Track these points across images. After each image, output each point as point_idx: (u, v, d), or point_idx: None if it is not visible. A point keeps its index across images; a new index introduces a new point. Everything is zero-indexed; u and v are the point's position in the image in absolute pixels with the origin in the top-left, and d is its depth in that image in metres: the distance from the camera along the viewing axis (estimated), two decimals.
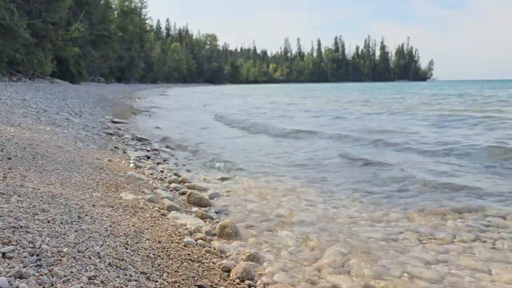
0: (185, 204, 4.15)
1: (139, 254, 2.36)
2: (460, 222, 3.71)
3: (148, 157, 6.45)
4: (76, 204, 2.89)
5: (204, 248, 2.91)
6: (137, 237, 2.63)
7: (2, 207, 2.38)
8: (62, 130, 6.85)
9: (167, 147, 7.93)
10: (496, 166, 6.08)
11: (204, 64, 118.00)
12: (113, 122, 10.93)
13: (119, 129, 9.57)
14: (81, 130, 7.56)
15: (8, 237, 2.01)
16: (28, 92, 12.32)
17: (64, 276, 1.83)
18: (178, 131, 10.75)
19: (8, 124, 5.88)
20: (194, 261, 2.59)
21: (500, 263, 2.89)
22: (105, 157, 5.37)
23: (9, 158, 3.77)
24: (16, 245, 1.96)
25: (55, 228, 2.31)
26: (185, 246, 2.81)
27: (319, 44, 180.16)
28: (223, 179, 5.44)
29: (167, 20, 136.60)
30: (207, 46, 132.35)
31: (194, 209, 4.02)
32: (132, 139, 8.36)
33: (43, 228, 2.24)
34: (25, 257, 1.88)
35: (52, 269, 1.84)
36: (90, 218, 2.67)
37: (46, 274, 1.80)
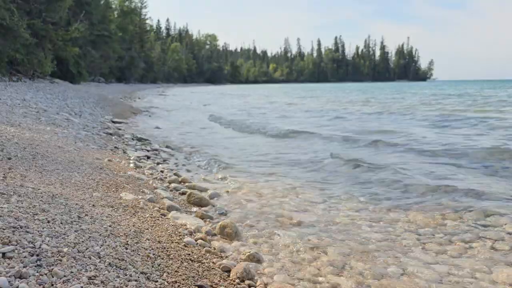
0: (185, 204, 4.15)
1: (139, 254, 2.36)
2: (460, 222, 3.71)
3: (148, 157, 6.45)
4: (76, 204, 2.89)
5: (204, 248, 2.91)
6: (137, 237, 2.63)
7: (2, 207, 2.38)
8: (62, 130, 6.85)
9: (167, 147, 7.93)
10: (496, 167, 6.08)
11: (204, 64, 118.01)
12: (113, 122, 10.93)
13: (119, 129, 9.57)
14: (81, 130, 7.56)
15: (8, 237, 2.01)
16: (28, 92, 12.32)
17: (64, 276, 1.83)
18: (178, 131, 10.76)
19: (8, 124, 5.88)
20: (194, 261, 2.59)
21: (500, 264, 2.89)
22: (105, 157, 5.37)
23: (9, 158, 3.78)
24: (16, 245, 1.96)
25: (55, 228, 2.31)
26: (185, 246, 2.81)
27: (319, 44, 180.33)
28: (223, 179, 5.44)
29: (167, 20, 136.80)
30: (207, 46, 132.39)
31: (194, 209, 4.02)
32: (132, 139, 8.36)
33: (43, 228, 2.25)
34: (25, 257, 1.88)
35: (52, 269, 1.85)
36: (90, 218, 2.67)
37: (46, 274, 1.80)
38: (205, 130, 11.50)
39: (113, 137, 7.94)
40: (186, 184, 4.98)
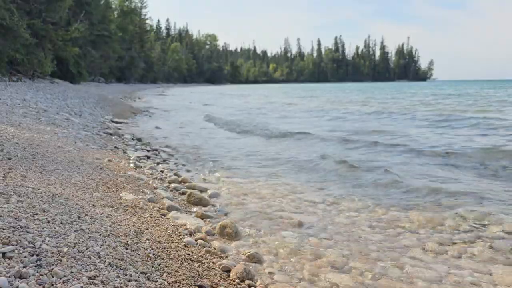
0: (185, 204, 4.15)
1: (139, 254, 2.37)
2: (460, 223, 3.71)
3: (148, 157, 6.45)
4: (76, 204, 2.89)
5: (204, 248, 2.91)
6: (137, 237, 2.63)
7: (2, 207, 2.38)
8: (62, 130, 6.86)
9: (167, 147, 7.93)
10: (495, 167, 6.08)
11: (204, 64, 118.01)
12: (113, 122, 10.93)
13: (119, 129, 9.58)
14: (81, 130, 7.56)
15: (8, 237, 2.01)
16: (28, 92, 12.32)
17: (64, 276, 1.83)
18: (178, 131, 10.76)
19: (8, 124, 5.88)
20: (194, 261, 2.59)
21: (500, 264, 2.89)
22: (105, 157, 5.37)
23: (9, 158, 3.78)
24: (16, 245, 1.96)
25: (55, 228, 2.31)
26: (185, 246, 2.81)
27: (319, 44, 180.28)
28: (223, 179, 5.44)
29: (167, 20, 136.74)
30: (207, 46, 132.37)
31: (194, 209, 4.02)
32: (132, 139, 8.36)
33: (43, 228, 2.25)
34: (25, 257, 1.88)
35: (52, 269, 1.85)
36: (90, 218, 2.68)
37: (46, 274, 1.80)
38: (205, 130, 11.51)
39: (113, 137, 7.95)
40: (186, 184, 4.98)
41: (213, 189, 4.83)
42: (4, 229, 2.08)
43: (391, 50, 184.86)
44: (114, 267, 2.08)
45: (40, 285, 1.73)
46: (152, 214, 3.33)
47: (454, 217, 3.85)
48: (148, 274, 2.15)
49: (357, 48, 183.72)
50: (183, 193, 4.52)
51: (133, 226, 2.85)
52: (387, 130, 10.69)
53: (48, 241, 2.10)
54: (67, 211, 2.66)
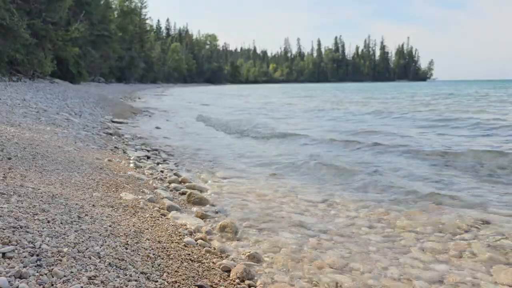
0: (185, 204, 4.16)
1: (139, 254, 2.37)
2: (459, 222, 3.71)
3: (148, 157, 6.45)
4: (76, 204, 2.89)
5: (204, 248, 2.91)
6: (137, 237, 2.63)
7: (2, 207, 2.38)
8: (62, 130, 6.86)
9: (167, 146, 7.93)
10: (495, 168, 6.08)
11: (204, 64, 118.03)
12: (113, 122, 10.93)
13: (119, 129, 9.57)
14: (81, 130, 7.56)
15: (8, 237, 2.01)
16: (28, 92, 12.32)
17: (64, 276, 1.83)
18: (178, 131, 10.76)
19: (8, 124, 5.88)
20: (194, 261, 2.59)
21: (499, 264, 2.89)
22: (105, 157, 5.37)
23: (9, 158, 3.78)
24: (16, 245, 1.96)
25: (55, 228, 2.31)
26: (185, 246, 2.81)
27: (319, 44, 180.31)
28: (223, 179, 5.44)
29: (167, 20, 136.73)
30: (207, 46, 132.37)
31: (194, 209, 4.02)
32: (132, 139, 8.36)
33: (43, 228, 2.25)
34: (25, 257, 1.88)
35: (52, 269, 1.85)
36: (90, 218, 2.68)
37: (46, 274, 1.80)
38: (205, 130, 11.51)
39: (113, 137, 7.95)
40: (186, 184, 4.98)
41: (213, 189, 4.83)
42: (4, 229, 2.08)
43: (391, 50, 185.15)
44: (114, 267, 2.08)
45: (40, 285, 1.73)
46: (152, 214, 3.33)
47: (453, 217, 3.85)
48: (148, 274, 2.15)
49: (357, 48, 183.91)
50: (183, 193, 4.52)
51: (133, 226, 2.85)
52: (387, 130, 10.68)
53: (48, 241, 2.10)
54: (67, 211, 2.66)
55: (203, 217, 3.77)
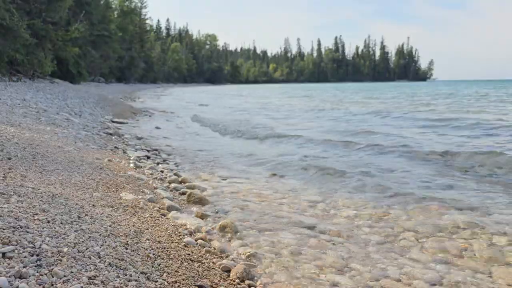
0: (185, 204, 4.16)
1: (139, 254, 2.37)
2: (459, 222, 3.71)
3: (148, 157, 6.45)
4: (76, 204, 2.89)
5: (204, 248, 2.91)
6: (137, 237, 2.63)
7: (2, 207, 2.38)
8: (62, 130, 6.86)
9: (167, 146, 7.93)
10: (493, 168, 6.08)
11: (204, 64, 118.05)
12: (113, 122, 10.93)
13: (119, 129, 9.57)
14: (81, 130, 7.56)
15: (8, 237, 2.01)
16: (28, 92, 12.32)
17: (64, 276, 1.83)
18: (178, 132, 10.76)
19: (8, 124, 5.88)
20: (194, 261, 2.59)
21: (499, 264, 2.89)
22: (105, 157, 5.37)
23: (9, 158, 3.78)
24: (16, 245, 1.96)
25: (55, 228, 2.31)
26: (185, 246, 2.81)
27: (319, 44, 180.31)
28: (223, 179, 5.44)
29: (167, 20, 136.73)
30: (207, 46, 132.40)
31: (194, 209, 4.02)
32: (132, 139, 8.36)
33: (43, 228, 2.25)
34: (25, 257, 1.88)
35: (52, 269, 1.85)
36: (90, 218, 2.68)
37: (46, 274, 1.80)
38: (205, 130, 11.51)
39: (113, 137, 7.95)
40: (186, 184, 4.98)
41: (213, 189, 4.83)
42: (4, 229, 2.08)
43: (391, 50, 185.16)
44: (114, 267, 2.08)
45: (40, 285, 1.73)
46: (152, 214, 3.33)
47: (454, 217, 3.85)
48: (148, 274, 2.15)
49: (357, 48, 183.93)
50: (183, 193, 4.52)
51: (133, 226, 2.85)
52: (387, 131, 10.69)
53: (48, 241, 2.10)
54: (67, 211, 2.66)
55: (203, 217, 3.77)
